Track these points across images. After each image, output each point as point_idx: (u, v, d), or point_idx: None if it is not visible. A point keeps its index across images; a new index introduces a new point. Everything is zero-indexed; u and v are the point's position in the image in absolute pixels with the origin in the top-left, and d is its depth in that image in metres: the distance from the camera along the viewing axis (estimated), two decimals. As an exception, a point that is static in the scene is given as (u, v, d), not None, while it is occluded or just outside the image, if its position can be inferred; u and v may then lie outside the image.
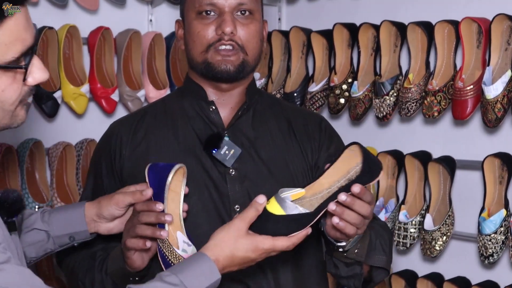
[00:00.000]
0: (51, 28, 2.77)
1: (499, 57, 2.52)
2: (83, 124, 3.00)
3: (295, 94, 2.98)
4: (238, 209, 1.94)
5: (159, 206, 1.75)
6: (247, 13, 1.95)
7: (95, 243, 1.94)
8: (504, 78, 2.46)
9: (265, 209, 1.63)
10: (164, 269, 1.73)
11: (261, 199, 1.63)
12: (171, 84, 3.10)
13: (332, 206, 1.66)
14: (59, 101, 2.81)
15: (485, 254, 2.50)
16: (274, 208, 1.63)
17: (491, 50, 2.51)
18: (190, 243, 1.75)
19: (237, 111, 2.01)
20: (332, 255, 1.91)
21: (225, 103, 2.02)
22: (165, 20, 3.16)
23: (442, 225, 2.63)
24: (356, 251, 1.85)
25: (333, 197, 1.67)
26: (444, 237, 2.63)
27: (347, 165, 1.72)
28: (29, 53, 1.45)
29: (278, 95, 3.00)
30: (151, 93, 3.03)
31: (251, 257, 1.63)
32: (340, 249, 1.84)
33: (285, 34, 3.06)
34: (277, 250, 1.64)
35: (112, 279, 1.90)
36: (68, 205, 1.94)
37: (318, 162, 2.03)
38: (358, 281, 1.93)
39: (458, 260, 2.77)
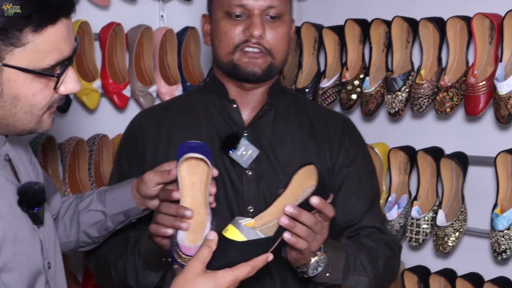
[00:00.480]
0: (63, 23, 2.77)
1: (511, 53, 2.51)
2: (95, 120, 3.01)
3: (307, 90, 2.98)
4: (251, 210, 1.92)
5: (175, 195, 1.72)
6: (276, 16, 1.94)
7: (128, 229, 1.95)
8: (517, 74, 2.45)
9: (225, 238, 1.56)
10: (172, 261, 1.72)
11: (211, 235, 1.55)
12: (183, 80, 3.10)
13: (284, 220, 1.61)
14: (71, 96, 2.81)
15: (498, 250, 2.50)
16: (234, 234, 1.57)
17: (503, 46, 2.50)
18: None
19: (258, 111, 2.00)
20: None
21: (247, 102, 2.01)
22: (176, 15, 3.16)
23: (455, 221, 2.62)
24: (327, 274, 1.80)
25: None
26: (457, 233, 2.63)
27: (299, 188, 1.68)
28: (65, 63, 1.48)
29: (290, 91, 3.00)
30: (163, 89, 3.03)
31: None
32: (305, 275, 1.78)
33: (297, 30, 3.05)
34: (240, 278, 1.55)
35: (144, 260, 1.88)
36: (119, 183, 1.95)
37: (335, 165, 2.02)
38: None
39: (470, 256, 2.76)
